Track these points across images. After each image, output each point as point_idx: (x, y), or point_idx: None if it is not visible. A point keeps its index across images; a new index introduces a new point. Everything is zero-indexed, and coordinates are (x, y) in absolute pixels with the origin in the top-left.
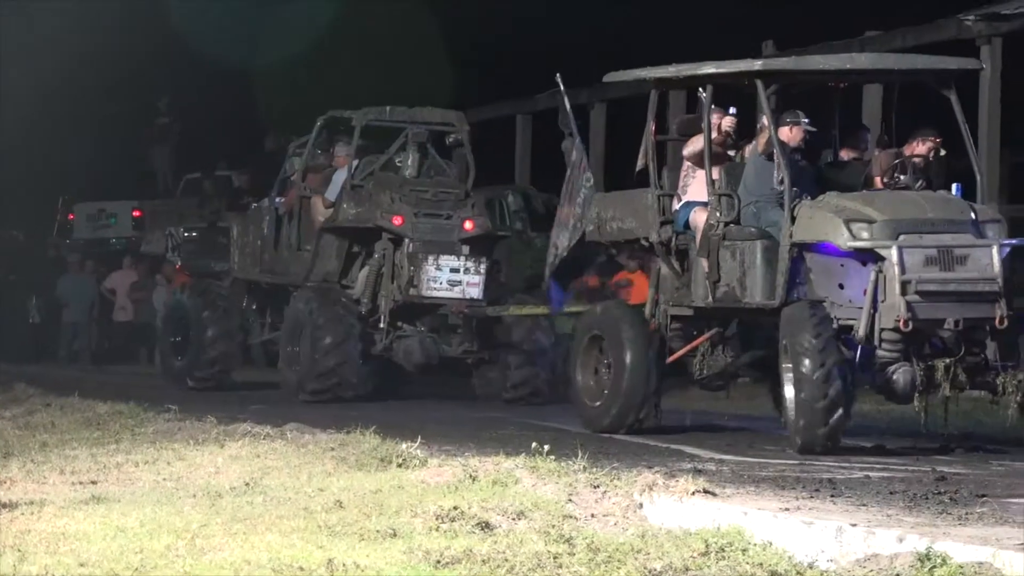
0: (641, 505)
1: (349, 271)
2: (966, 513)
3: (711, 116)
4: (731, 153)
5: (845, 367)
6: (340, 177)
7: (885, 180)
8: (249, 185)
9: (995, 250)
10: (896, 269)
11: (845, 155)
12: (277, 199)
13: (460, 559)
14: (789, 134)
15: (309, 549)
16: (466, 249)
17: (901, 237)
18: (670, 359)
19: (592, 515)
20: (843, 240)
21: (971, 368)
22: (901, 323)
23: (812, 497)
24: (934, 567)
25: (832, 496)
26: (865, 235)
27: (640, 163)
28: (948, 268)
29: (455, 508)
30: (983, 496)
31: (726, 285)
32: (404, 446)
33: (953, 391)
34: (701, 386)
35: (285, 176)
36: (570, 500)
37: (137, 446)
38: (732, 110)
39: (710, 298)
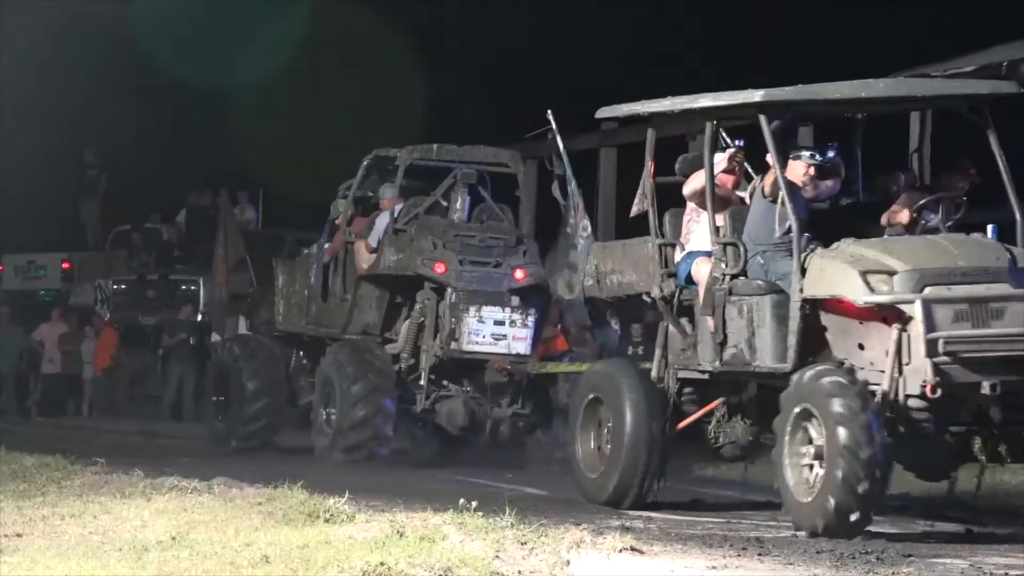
0: (568, 562)
1: (394, 324)
2: (892, 573)
3: (714, 154)
4: (741, 194)
5: (889, 445)
6: (383, 221)
7: (910, 222)
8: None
9: None
10: (921, 327)
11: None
12: (325, 245)
13: None
14: (796, 172)
15: None
16: (515, 300)
17: (926, 290)
18: (680, 426)
19: (519, 572)
20: (859, 295)
21: (1012, 439)
22: (928, 389)
23: (739, 556)
24: None
25: (759, 555)
26: (885, 288)
27: (636, 208)
28: (982, 324)
29: (382, 564)
30: (909, 556)
31: (734, 346)
32: (332, 501)
33: (991, 465)
34: (715, 457)
35: (331, 220)
36: (497, 556)
37: (63, 499)
38: (739, 142)
39: (717, 361)
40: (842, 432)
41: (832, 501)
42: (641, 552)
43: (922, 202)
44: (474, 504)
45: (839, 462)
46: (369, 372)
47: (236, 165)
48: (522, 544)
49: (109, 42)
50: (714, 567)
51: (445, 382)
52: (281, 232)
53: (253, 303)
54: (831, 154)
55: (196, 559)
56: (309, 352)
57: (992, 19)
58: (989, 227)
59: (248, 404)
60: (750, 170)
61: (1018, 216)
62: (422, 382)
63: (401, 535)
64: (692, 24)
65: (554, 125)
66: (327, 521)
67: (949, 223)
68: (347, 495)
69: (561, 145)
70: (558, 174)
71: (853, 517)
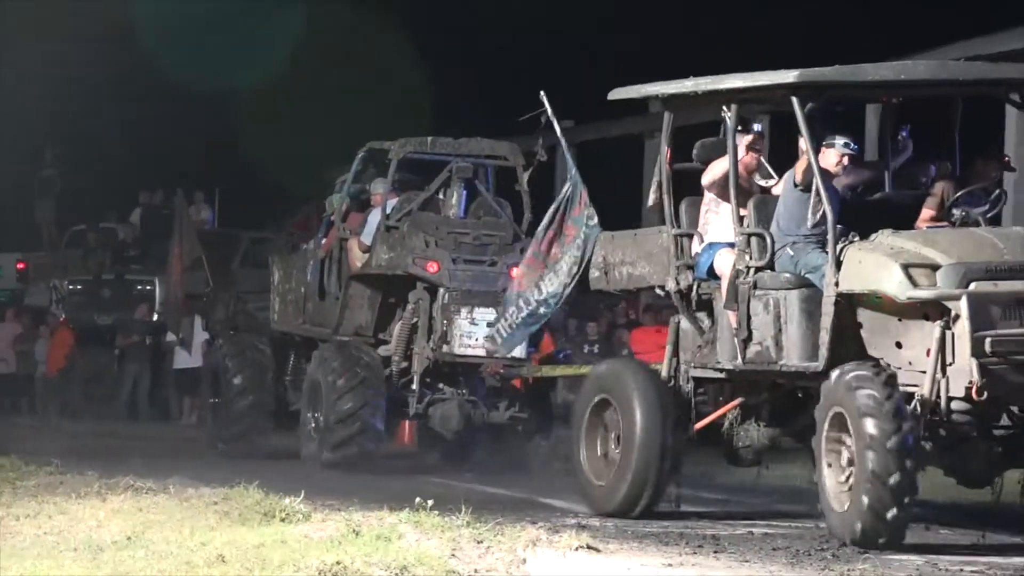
0: (525, 560)
1: (387, 325)
2: (848, 570)
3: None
4: (763, 183)
5: (919, 436)
6: (375, 218)
7: (949, 215)
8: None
9: None
10: (967, 325)
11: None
12: (323, 241)
13: None
14: (828, 160)
15: None
16: None
17: (972, 285)
18: (694, 429)
19: (475, 570)
20: (900, 289)
21: None
22: (974, 391)
23: (695, 553)
24: None
25: (715, 552)
26: (927, 283)
27: (652, 198)
28: None
29: (338, 563)
30: (865, 553)
31: (758, 344)
32: (287, 500)
33: None
34: (729, 461)
35: (327, 216)
36: (453, 555)
37: (18, 500)
38: (757, 127)
39: (739, 359)
40: (869, 423)
41: (866, 500)
42: (597, 550)
43: (959, 193)
44: (430, 503)
45: (868, 456)
46: (355, 366)
47: (192, 164)
48: (478, 543)
49: (65, 40)
50: (670, 564)
51: (441, 385)
52: (237, 232)
53: (209, 303)
54: (904, 134)
55: (152, 559)
56: (303, 353)
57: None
58: None
59: (232, 404)
60: (763, 161)
61: None
62: (414, 386)
63: (357, 534)
64: (709, 24)
65: (548, 107)
66: (283, 521)
67: (989, 215)
68: (303, 494)
69: (559, 129)
70: (540, 159)
71: (890, 514)
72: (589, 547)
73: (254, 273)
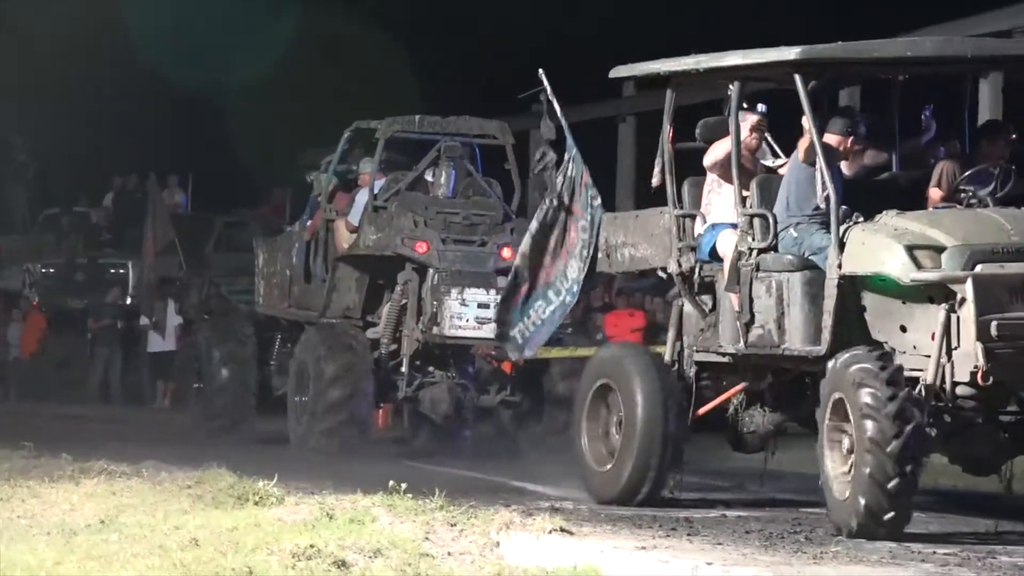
0: (498, 543)
1: (375, 307)
2: (821, 552)
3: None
4: (769, 162)
5: (923, 436)
6: (363, 198)
7: (956, 194)
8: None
9: None
10: (972, 308)
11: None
12: (308, 222)
13: None
14: (830, 141)
15: None
16: (501, 281)
17: (978, 267)
18: (697, 414)
19: (449, 553)
20: (905, 271)
21: None
22: (979, 375)
23: (669, 536)
24: None
25: (689, 535)
26: (932, 265)
27: (656, 179)
28: None
29: (311, 546)
30: (838, 535)
31: (761, 327)
32: (261, 484)
33: None
34: (734, 447)
35: (313, 197)
36: (427, 538)
37: None
38: (761, 107)
39: (741, 343)
40: (869, 425)
41: (862, 501)
42: (571, 533)
43: (968, 173)
44: (404, 486)
45: (866, 458)
46: (344, 352)
47: (166, 147)
48: (452, 526)
49: (37, 24)
50: (643, 547)
51: (430, 368)
52: (210, 216)
53: (182, 286)
54: (927, 114)
55: (125, 543)
56: (289, 337)
57: None
58: None
59: (216, 388)
60: (770, 140)
61: None
62: (403, 368)
63: (331, 517)
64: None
65: (547, 85)
66: (257, 504)
67: (998, 195)
68: (276, 478)
69: (558, 108)
70: (547, 139)
71: (886, 516)
72: (562, 530)
73: (227, 257)
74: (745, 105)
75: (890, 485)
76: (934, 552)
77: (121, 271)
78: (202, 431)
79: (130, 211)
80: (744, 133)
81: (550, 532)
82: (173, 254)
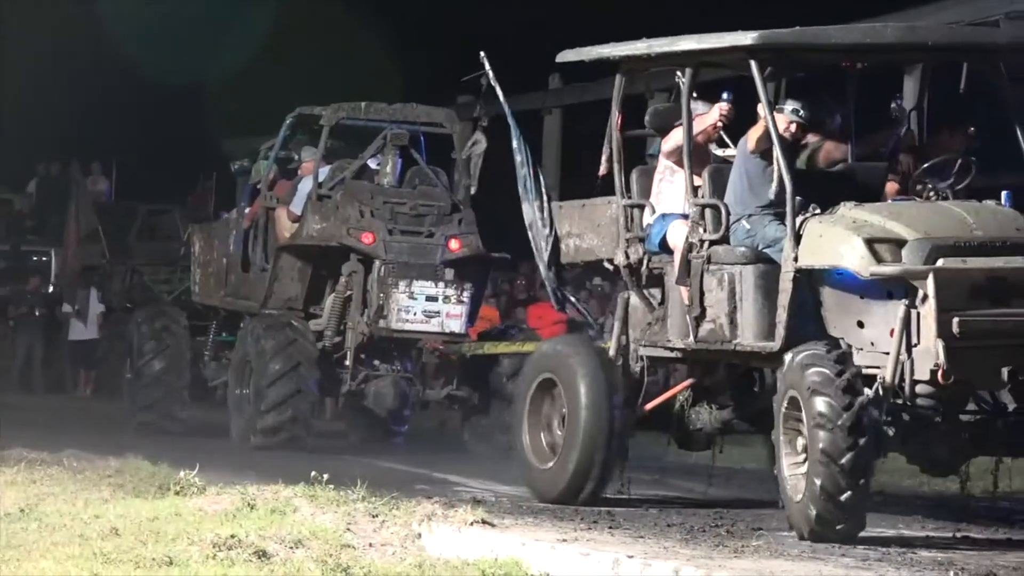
0: (420, 535)
1: (318, 298)
2: (742, 546)
3: (691, 105)
4: (720, 152)
5: (877, 446)
6: (306, 186)
7: (914, 186)
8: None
9: None
10: (934, 304)
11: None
12: (246, 210)
13: None
14: (787, 128)
15: None
16: (449, 274)
17: (940, 262)
18: (645, 409)
19: (370, 544)
20: (864, 265)
21: None
22: (940, 374)
23: (590, 528)
24: None
25: (610, 528)
26: (892, 259)
27: (604, 167)
28: (1001, 302)
29: (232, 536)
30: (759, 530)
31: (711, 321)
32: (182, 473)
33: (1008, 457)
34: (680, 444)
35: (252, 184)
36: (348, 529)
37: None
38: (727, 95)
39: (691, 338)
40: (822, 436)
41: (814, 511)
42: (492, 525)
43: (926, 165)
44: (326, 477)
45: (819, 469)
46: (289, 348)
47: (90, 134)
48: (373, 517)
49: None
50: (564, 540)
51: (376, 361)
52: (134, 204)
53: (105, 274)
54: (898, 103)
55: (45, 531)
56: (224, 327)
57: None
58: (1003, 193)
59: (148, 379)
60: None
61: None
62: (348, 362)
63: (252, 507)
64: None
65: (489, 68)
66: (177, 493)
67: (957, 188)
68: (197, 467)
69: (500, 93)
70: (482, 125)
71: (844, 497)
72: (484, 522)
73: (151, 245)
74: (695, 94)
75: (843, 497)
76: (855, 546)
77: (43, 258)
78: (131, 423)
79: (53, 198)
80: (711, 119)
81: (471, 524)
82: (96, 242)
